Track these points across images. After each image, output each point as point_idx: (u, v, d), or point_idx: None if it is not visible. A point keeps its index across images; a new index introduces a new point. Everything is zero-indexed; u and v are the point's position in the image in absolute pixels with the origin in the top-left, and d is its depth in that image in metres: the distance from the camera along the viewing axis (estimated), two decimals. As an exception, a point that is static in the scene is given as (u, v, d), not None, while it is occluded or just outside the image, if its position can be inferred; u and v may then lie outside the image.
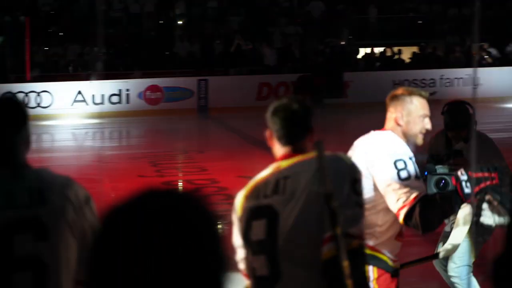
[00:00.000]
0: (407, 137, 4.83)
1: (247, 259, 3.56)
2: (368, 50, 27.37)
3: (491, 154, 6.44)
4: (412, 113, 4.84)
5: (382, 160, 4.66)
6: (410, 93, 4.91)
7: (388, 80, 24.98)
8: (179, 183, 13.94)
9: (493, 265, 1.74)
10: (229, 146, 17.51)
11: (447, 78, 24.74)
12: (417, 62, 26.67)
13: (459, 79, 25.11)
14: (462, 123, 6.68)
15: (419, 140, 4.89)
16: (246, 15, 27.97)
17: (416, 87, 24.57)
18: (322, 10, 28.76)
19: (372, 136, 4.90)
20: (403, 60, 27.11)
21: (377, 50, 27.40)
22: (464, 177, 4.55)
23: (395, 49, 27.18)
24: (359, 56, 27.37)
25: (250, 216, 3.53)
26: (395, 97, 4.93)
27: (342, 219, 3.31)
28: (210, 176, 13.80)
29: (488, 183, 6.36)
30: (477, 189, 5.88)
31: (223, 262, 1.66)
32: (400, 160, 4.63)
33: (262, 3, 28.59)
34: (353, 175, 3.51)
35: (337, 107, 22.94)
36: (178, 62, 25.31)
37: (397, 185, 4.55)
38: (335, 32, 27.05)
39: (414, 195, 4.49)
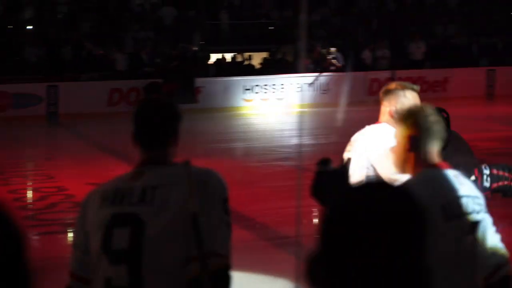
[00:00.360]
0: None
1: (84, 264, 3.38)
2: (220, 55, 27.58)
3: (466, 152, 6.64)
4: (405, 106, 4.96)
5: (382, 152, 4.86)
6: (403, 87, 5.16)
7: (239, 85, 25.26)
8: (26, 191, 13.72)
9: (308, 265, 1.83)
10: (79, 153, 17.30)
11: (297, 84, 25.21)
12: (268, 67, 27.07)
13: (310, 84, 25.62)
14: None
15: None
16: (97, 20, 27.68)
17: (266, 93, 25.11)
18: (174, 15, 28.80)
19: (369, 130, 5.18)
20: (253, 66, 27.46)
21: (228, 55, 27.64)
22: (486, 171, 4.86)
23: (246, 54, 27.49)
24: (211, 61, 27.54)
25: (112, 222, 3.33)
26: (389, 91, 5.17)
27: (212, 239, 3.25)
28: (58, 183, 13.61)
29: (506, 182, 6.44)
30: (495, 185, 6.00)
31: (26, 277, 1.64)
32: None
33: (113, 8, 28.38)
34: (224, 194, 3.38)
35: (188, 112, 23.00)
36: (27, 68, 24.77)
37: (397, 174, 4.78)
38: (187, 38, 27.12)
39: None
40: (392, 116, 5.07)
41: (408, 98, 5.13)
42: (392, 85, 5.25)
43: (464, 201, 3.57)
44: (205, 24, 28.83)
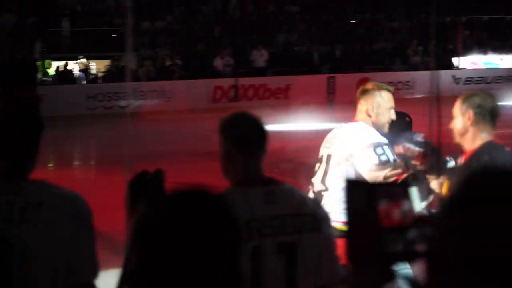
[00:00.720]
0: (376, 127, 5.43)
1: None
2: (62, 63, 27.12)
3: None
4: (381, 106, 5.46)
5: (363, 149, 5.17)
6: (379, 88, 5.52)
7: (81, 93, 24.93)
8: None
9: (129, 273, 1.82)
10: None
11: (141, 91, 25.05)
12: (110, 75, 26.85)
13: (152, 92, 25.55)
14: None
15: (386, 129, 5.44)
16: None
17: (110, 100, 24.87)
18: (13, 22, 28.12)
19: (347, 128, 5.57)
20: (96, 74, 27.17)
21: (71, 63, 27.21)
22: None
23: (88, 62, 27.17)
24: (52, 69, 27.05)
25: None
26: (366, 91, 5.53)
27: (88, 267, 3.09)
28: None
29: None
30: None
31: None
32: (378, 146, 5.18)
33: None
34: (92, 220, 3.14)
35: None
36: None
37: (380, 169, 5.07)
38: (27, 45, 26.54)
39: (398, 173, 5.02)
40: (368, 115, 5.47)
41: (384, 98, 5.49)
42: (369, 85, 5.61)
43: (259, 223, 3.30)
44: (46, 31, 28.29)
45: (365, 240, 2.06)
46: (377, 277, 2.07)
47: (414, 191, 4.37)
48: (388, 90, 5.54)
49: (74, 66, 27.15)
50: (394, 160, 5.14)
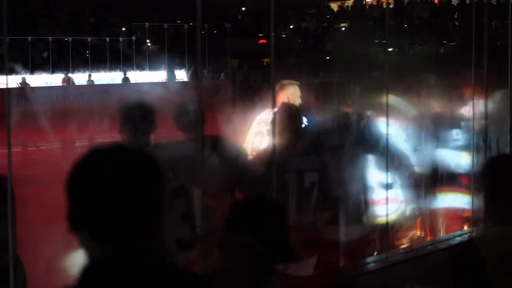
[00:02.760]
0: None
1: None
2: None
3: None
4: (295, 94, 6.81)
5: None
6: (291, 83, 6.95)
7: None
8: None
9: None
10: None
11: None
12: None
13: None
14: None
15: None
16: None
17: None
18: None
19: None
20: None
21: None
22: None
23: None
24: None
25: None
26: (284, 85, 6.83)
27: None
28: None
29: None
30: None
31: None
32: None
33: None
34: None
35: None
36: None
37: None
38: None
39: None
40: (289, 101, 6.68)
41: (296, 89, 6.93)
42: (285, 82, 6.92)
43: None
44: None
45: None
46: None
47: None
48: (296, 84, 6.98)
49: None
50: None
